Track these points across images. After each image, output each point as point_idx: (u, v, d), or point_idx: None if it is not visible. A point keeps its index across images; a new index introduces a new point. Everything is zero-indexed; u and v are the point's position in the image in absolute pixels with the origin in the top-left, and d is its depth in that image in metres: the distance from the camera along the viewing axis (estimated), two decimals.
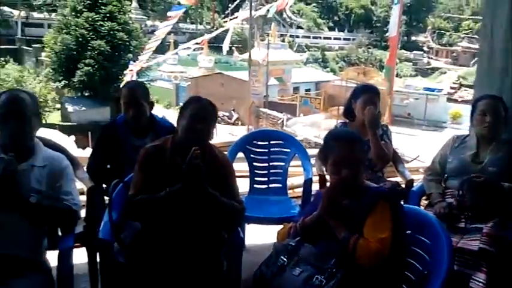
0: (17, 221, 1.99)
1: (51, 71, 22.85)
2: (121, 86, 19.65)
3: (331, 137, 2.05)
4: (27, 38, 31.88)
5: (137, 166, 2.16)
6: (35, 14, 36.41)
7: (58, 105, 23.55)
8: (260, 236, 3.36)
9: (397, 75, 28.66)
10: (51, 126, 17.24)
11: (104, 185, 2.90)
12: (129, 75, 20.56)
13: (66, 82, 22.05)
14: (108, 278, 2.24)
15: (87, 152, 5.68)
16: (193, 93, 27.26)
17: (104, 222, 2.25)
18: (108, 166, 2.94)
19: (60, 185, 2.12)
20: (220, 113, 24.40)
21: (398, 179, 3.33)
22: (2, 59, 25.71)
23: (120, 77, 21.79)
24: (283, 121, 20.11)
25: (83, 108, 22.25)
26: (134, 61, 21.10)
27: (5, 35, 33.76)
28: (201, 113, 2.12)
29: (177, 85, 29.39)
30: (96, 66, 21.20)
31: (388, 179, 3.23)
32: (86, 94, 22.88)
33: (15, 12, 31.68)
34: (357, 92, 3.04)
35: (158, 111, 3.05)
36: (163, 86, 28.71)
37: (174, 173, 2.06)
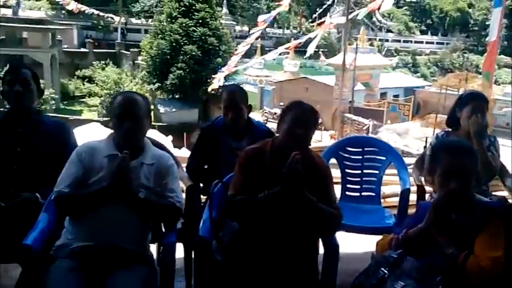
0: (127, 215, 2.11)
1: (146, 74, 24.14)
2: (209, 89, 20.45)
3: (441, 146, 1.95)
4: (126, 42, 34.10)
5: (237, 167, 2.21)
6: (133, 20, 38.94)
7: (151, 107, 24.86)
8: (350, 244, 3.30)
9: (495, 82, 26.73)
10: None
11: (201, 184, 3.01)
12: (217, 79, 21.22)
13: (160, 85, 23.18)
14: (204, 275, 2.31)
15: (183, 152, 5.96)
16: (277, 97, 27.51)
17: (203, 220, 2.32)
18: (206, 166, 3.04)
19: (166, 182, 2.23)
20: None
21: (504, 193, 3.11)
22: (103, 62, 27.75)
23: (208, 80, 22.50)
24: (368, 127, 19.60)
25: (173, 109, 23.29)
26: (223, 65, 21.70)
27: (106, 40, 36.42)
28: (302, 117, 2.12)
29: (261, 89, 29.81)
30: (187, 70, 22.09)
31: (493, 193, 3.02)
32: (177, 96, 23.90)
33: (116, 19, 34.02)
34: (464, 100, 2.88)
35: None
36: (249, 90, 29.01)
37: (273, 176, 2.08)
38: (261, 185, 2.10)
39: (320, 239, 2.31)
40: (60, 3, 30.16)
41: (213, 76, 21.82)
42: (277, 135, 2.22)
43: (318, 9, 48.72)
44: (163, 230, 2.35)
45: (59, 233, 2.18)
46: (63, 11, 35.16)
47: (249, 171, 2.16)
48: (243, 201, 2.11)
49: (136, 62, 28.79)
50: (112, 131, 2.25)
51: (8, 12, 30.45)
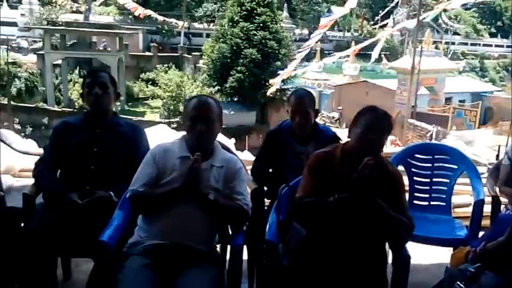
0: (197, 216, 2.16)
1: (207, 77, 24.59)
2: (268, 92, 20.52)
3: None
4: (188, 46, 34.99)
5: (306, 170, 2.20)
6: (196, 25, 39.90)
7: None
8: (416, 254, 3.19)
9: None
10: None
11: (265, 188, 3.02)
12: (276, 82, 21.29)
13: (219, 88, 23.55)
14: (269, 279, 2.31)
15: (245, 155, 6.04)
16: (335, 101, 27.16)
17: (269, 223, 2.33)
18: (270, 170, 3.05)
19: (233, 185, 2.26)
20: None
21: None
22: (166, 65, 28.63)
23: (267, 84, 22.61)
24: (432, 134, 18.87)
25: (232, 112, 23.52)
26: (282, 69, 21.72)
27: (170, 44, 37.56)
28: (376, 123, 2.07)
29: (320, 92, 29.53)
30: (246, 73, 22.27)
31: None
32: (235, 99, 24.17)
33: (180, 23, 34.98)
34: None
35: None
36: None
37: (342, 181, 2.05)
38: (330, 189, 2.08)
39: (390, 249, 2.26)
40: (128, 9, 31.47)
41: (271, 80, 21.90)
42: (348, 139, 2.18)
43: (380, 12, 47.65)
44: (230, 232, 2.39)
45: (131, 231, 2.27)
46: (130, 16, 36.64)
47: (319, 175, 2.14)
48: (311, 203, 2.10)
49: (197, 65, 29.42)
50: (184, 133, 2.32)
51: (80, 18, 32.20)
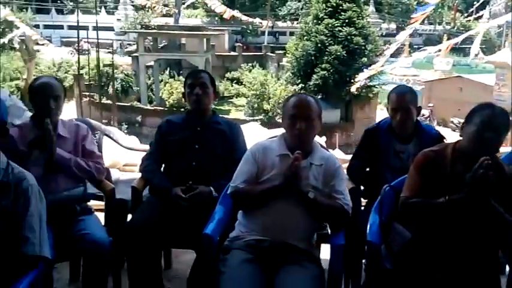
0: (297, 214, 2.16)
1: (290, 75, 24.57)
2: (353, 89, 20.07)
3: None
4: (272, 45, 35.27)
5: (414, 169, 2.11)
6: (279, 23, 40.17)
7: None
8: None
9: None
10: None
11: (362, 187, 2.94)
12: (363, 79, 20.76)
13: (303, 85, 23.38)
14: (371, 281, 2.25)
15: (336, 153, 5.97)
16: (426, 97, 25.85)
17: (370, 224, 2.26)
18: (367, 169, 2.97)
19: (333, 184, 2.23)
20: (455, 120, 22.51)
21: None
22: (250, 64, 29.10)
23: (352, 81, 22.11)
24: None
25: None
26: (369, 65, 21.12)
27: (254, 43, 38.18)
28: (492, 120, 1.93)
29: None
30: (331, 71, 21.92)
31: None
32: (319, 97, 23.88)
33: (264, 23, 35.42)
34: None
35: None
36: None
37: (454, 182, 1.94)
38: (439, 190, 1.97)
39: (503, 257, 2.10)
40: (217, 11, 32.39)
41: (356, 77, 21.38)
42: (460, 138, 2.05)
43: (475, 3, 44.58)
44: (329, 231, 2.36)
45: (232, 225, 2.33)
46: (216, 18, 37.76)
47: (428, 175, 2.04)
48: (419, 204, 2.01)
49: (281, 63, 29.51)
50: (283, 131, 2.33)
51: (170, 21, 33.74)
